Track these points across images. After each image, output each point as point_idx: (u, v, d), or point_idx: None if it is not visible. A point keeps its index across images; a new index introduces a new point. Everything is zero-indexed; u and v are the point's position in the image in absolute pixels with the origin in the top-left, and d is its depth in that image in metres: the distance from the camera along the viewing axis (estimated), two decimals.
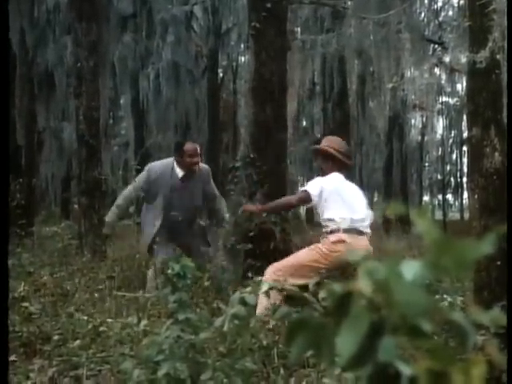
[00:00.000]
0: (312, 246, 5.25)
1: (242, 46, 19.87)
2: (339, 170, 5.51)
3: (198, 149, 6.37)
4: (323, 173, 5.56)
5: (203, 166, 6.61)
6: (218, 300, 4.36)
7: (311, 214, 16.16)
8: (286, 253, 5.83)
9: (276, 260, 5.42)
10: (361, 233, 5.25)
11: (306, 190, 5.38)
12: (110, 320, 4.51)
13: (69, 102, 13.17)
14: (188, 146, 6.31)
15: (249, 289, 2.81)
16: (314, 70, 14.43)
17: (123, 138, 22.49)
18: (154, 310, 4.57)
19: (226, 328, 2.53)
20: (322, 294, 2.51)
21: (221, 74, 21.80)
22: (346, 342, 0.82)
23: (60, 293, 6.29)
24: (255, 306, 3.79)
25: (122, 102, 21.63)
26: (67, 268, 7.50)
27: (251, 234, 6.12)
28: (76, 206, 10.56)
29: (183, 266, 3.09)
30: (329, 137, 6.02)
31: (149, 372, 2.49)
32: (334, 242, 5.10)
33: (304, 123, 24.04)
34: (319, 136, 21.14)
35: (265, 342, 3.35)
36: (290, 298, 3.49)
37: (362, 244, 5.15)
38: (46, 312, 5.33)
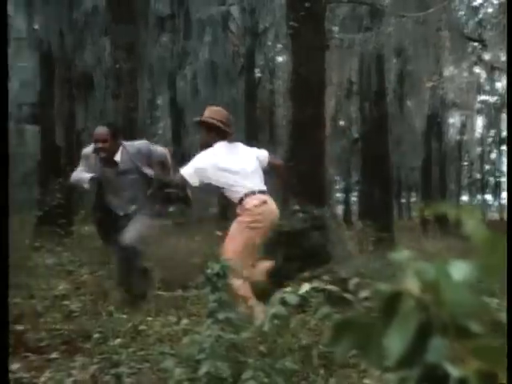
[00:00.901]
0: (235, 225, 5.29)
1: (279, 45, 19.86)
2: (223, 140, 5.52)
3: (106, 132, 5.67)
4: (206, 145, 5.55)
5: (134, 144, 5.93)
6: (257, 300, 4.37)
7: None
8: (322, 252, 5.80)
9: (312, 260, 5.40)
10: (263, 192, 5.40)
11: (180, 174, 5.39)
12: (149, 318, 4.54)
13: (107, 103, 13.28)
14: (95, 130, 5.82)
15: (289, 289, 2.81)
16: (352, 68, 14.35)
17: (160, 138, 22.65)
18: (193, 309, 4.59)
19: (266, 328, 2.53)
20: (363, 294, 2.49)
21: (258, 74, 21.81)
22: (394, 343, 0.81)
23: (100, 291, 6.36)
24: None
25: (159, 102, 21.78)
26: (106, 267, 7.58)
27: (285, 233, 6.11)
28: None
29: (222, 265, 3.10)
30: (211, 107, 5.85)
31: (189, 371, 2.50)
32: (256, 206, 5.24)
33: (341, 122, 23.94)
34: (357, 136, 21.04)
35: (304, 342, 3.34)
36: (329, 298, 3.48)
37: (274, 204, 5.37)
38: (86, 310, 5.40)
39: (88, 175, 5.70)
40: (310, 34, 6.71)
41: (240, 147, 5.63)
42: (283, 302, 2.72)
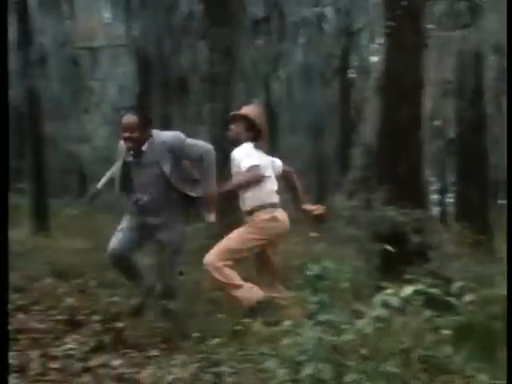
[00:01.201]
0: (247, 230, 5.24)
1: (374, 45, 19.62)
2: (254, 141, 5.37)
3: (134, 121, 5.21)
4: (237, 141, 5.40)
5: (162, 135, 5.36)
6: (356, 302, 4.31)
7: None
8: (421, 254, 5.70)
9: (412, 262, 5.32)
10: (275, 205, 5.35)
11: (255, 166, 5.18)
12: (246, 319, 4.56)
13: (203, 106, 13.48)
14: (123, 119, 5.32)
15: (391, 291, 2.77)
16: (449, 67, 14.01)
17: None
18: (292, 311, 4.57)
19: (368, 330, 2.50)
20: (468, 298, 2.43)
21: (352, 75, 21.62)
22: None
23: (197, 291, 6.44)
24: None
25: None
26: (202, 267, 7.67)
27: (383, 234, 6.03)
28: None
29: (323, 267, 3.08)
30: (250, 106, 5.70)
31: (292, 372, 2.50)
32: (270, 220, 5.21)
33: (437, 122, 23.43)
34: (453, 135, 20.54)
35: (406, 346, 3.28)
36: (430, 300, 3.40)
37: (285, 218, 5.34)
38: (183, 309, 5.49)
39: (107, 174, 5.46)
40: (408, 33, 6.60)
41: (261, 153, 5.45)
42: (385, 305, 2.68)
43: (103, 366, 4.09)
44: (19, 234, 10.94)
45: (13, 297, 6.84)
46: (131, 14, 12.51)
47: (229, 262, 5.15)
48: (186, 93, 14.37)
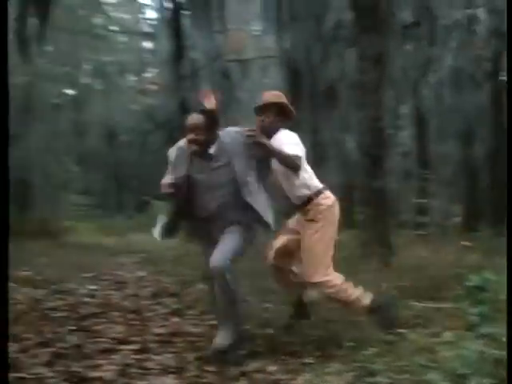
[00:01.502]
0: (321, 229, 4.84)
1: None
2: (287, 126, 5.00)
3: (200, 121, 4.61)
4: (272, 130, 4.90)
5: (230, 132, 4.79)
6: None
7: None
8: None
9: None
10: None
11: (298, 157, 4.72)
12: (401, 330, 4.50)
13: (351, 114, 13.43)
14: (188, 119, 4.71)
15: None
16: None
17: (404, 148, 22.37)
18: (447, 322, 4.46)
19: None
20: None
21: (503, 77, 20.72)
22: None
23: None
24: None
25: (402, 111, 21.55)
26: (353, 277, 7.63)
27: None
28: (359, 215, 10.72)
29: (483, 278, 2.99)
30: (271, 92, 5.15)
31: None
32: (333, 204, 4.94)
33: None
34: None
35: None
36: None
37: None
38: (336, 318, 5.48)
39: (167, 180, 4.68)
40: None
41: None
42: None
43: (259, 371, 4.17)
44: (172, 240, 11.35)
45: (168, 301, 7.15)
46: (281, 25, 12.68)
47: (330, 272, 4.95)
48: (333, 101, 14.37)
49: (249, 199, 4.63)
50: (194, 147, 4.60)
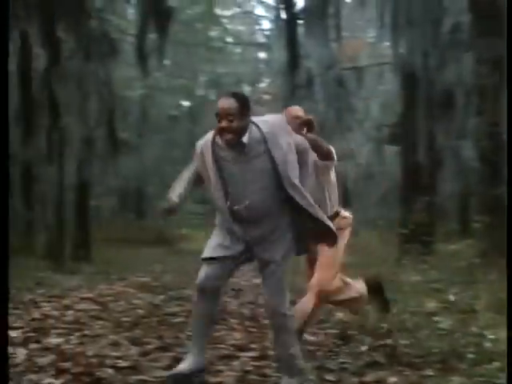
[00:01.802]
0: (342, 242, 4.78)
1: None
2: None
3: (233, 106, 3.84)
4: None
5: (269, 120, 4.07)
6: None
7: None
8: None
9: None
10: None
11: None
12: None
13: (468, 120, 13.11)
14: (219, 103, 3.95)
15: None
16: None
17: None
18: None
19: None
20: None
21: None
22: None
23: (469, 311, 6.27)
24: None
25: None
26: (474, 286, 7.44)
27: None
28: (477, 224, 10.44)
29: None
30: (295, 107, 4.92)
31: None
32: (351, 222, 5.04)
33: None
34: None
35: None
36: None
37: None
38: (456, 330, 5.37)
39: (178, 190, 4.15)
40: None
41: None
42: None
43: (378, 382, 4.13)
44: None
45: None
46: (397, 30, 12.54)
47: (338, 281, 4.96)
48: (450, 107, 14.06)
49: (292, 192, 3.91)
50: (228, 136, 3.87)
